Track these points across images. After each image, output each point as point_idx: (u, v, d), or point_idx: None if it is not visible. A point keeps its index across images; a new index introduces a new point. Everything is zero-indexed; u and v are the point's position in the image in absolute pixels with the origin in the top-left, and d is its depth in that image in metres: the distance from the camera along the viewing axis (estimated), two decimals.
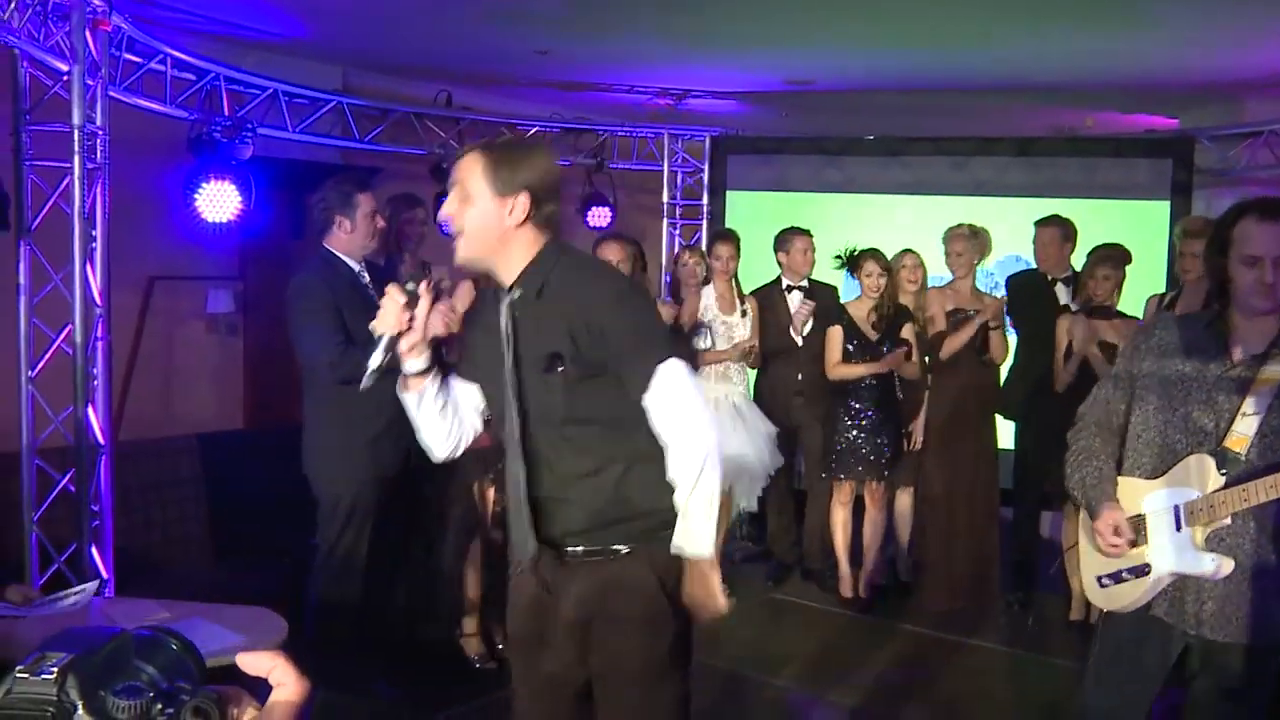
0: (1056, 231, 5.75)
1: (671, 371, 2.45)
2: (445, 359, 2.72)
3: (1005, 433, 5.89)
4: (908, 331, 5.55)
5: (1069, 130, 8.64)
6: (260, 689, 0.93)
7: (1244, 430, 2.62)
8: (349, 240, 4.16)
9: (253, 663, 0.94)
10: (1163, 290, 5.80)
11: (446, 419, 2.60)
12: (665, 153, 8.22)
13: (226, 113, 5.71)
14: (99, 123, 4.32)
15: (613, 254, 4.89)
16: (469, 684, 4.57)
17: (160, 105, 5.33)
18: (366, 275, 4.25)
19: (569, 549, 2.52)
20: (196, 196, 5.20)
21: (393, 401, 4.13)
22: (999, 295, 5.91)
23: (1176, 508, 2.69)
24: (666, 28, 6.10)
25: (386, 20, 6.04)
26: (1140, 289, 5.58)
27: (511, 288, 2.49)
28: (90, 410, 4.34)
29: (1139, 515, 2.77)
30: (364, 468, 4.14)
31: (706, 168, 8.16)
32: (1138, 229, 6.59)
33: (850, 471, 5.62)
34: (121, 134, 4.60)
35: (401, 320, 2.40)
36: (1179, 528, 2.69)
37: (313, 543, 4.28)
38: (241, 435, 6.62)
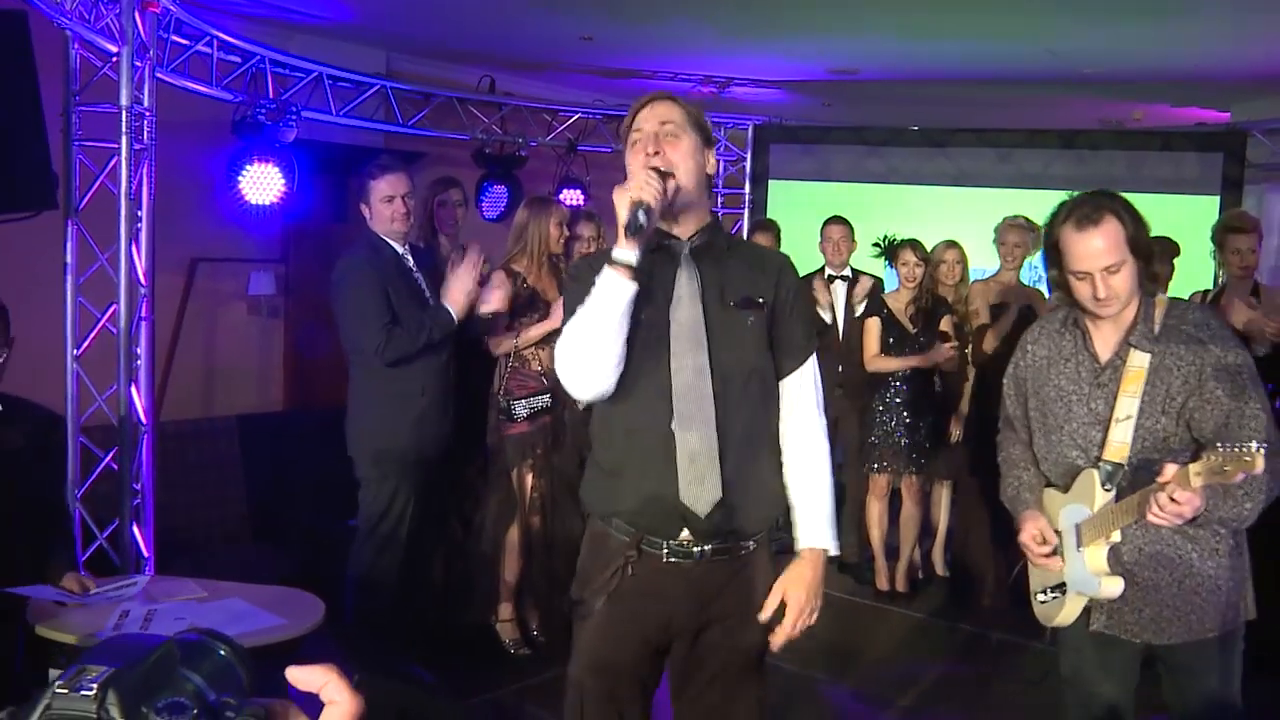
0: None
1: (815, 365, 2.51)
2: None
3: None
4: (946, 324, 5.50)
5: (1116, 123, 8.52)
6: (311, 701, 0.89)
7: (1121, 437, 2.54)
8: (377, 225, 4.19)
9: (304, 678, 0.88)
10: (1209, 286, 5.71)
11: (621, 343, 2.32)
12: None
13: (271, 95, 5.75)
14: (146, 104, 4.34)
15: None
16: (504, 669, 4.58)
17: (206, 87, 5.37)
18: (411, 259, 4.26)
19: (698, 547, 2.38)
20: (240, 179, 5.25)
21: (435, 382, 4.21)
22: (1041, 288, 5.84)
23: (1076, 526, 2.64)
24: (711, 15, 6.06)
25: (431, 5, 6.05)
26: (1188, 285, 5.49)
27: (701, 234, 2.43)
28: (133, 389, 4.37)
29: (1059, 530, 2.71)
30: (407, 449, 4.16)
31: (749, 157, 8.13)
32: (1186, 224, 6.46)
33: (886, 464, 5.58)
34: (168, 116, 4.63)
35: (659, 193, 2.26)
36: (1078, 547, 2.64)
37: (351, 523, 4.31)
38: (281, 417, 6.67)
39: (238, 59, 5.66)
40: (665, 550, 2.39)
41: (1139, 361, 2.54)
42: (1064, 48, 6.36)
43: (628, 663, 2.48)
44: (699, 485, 2.33)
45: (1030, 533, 2.71)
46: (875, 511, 5.70)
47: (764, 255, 2.63)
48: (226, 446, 5.94)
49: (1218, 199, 6.95)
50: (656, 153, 2.35)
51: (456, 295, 4.14)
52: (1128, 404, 2.53)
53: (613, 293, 2.27)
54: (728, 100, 8.35)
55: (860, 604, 5.72)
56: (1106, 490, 2.55)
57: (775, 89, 8.17)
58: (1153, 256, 2.62)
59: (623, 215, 2.25)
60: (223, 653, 0.85)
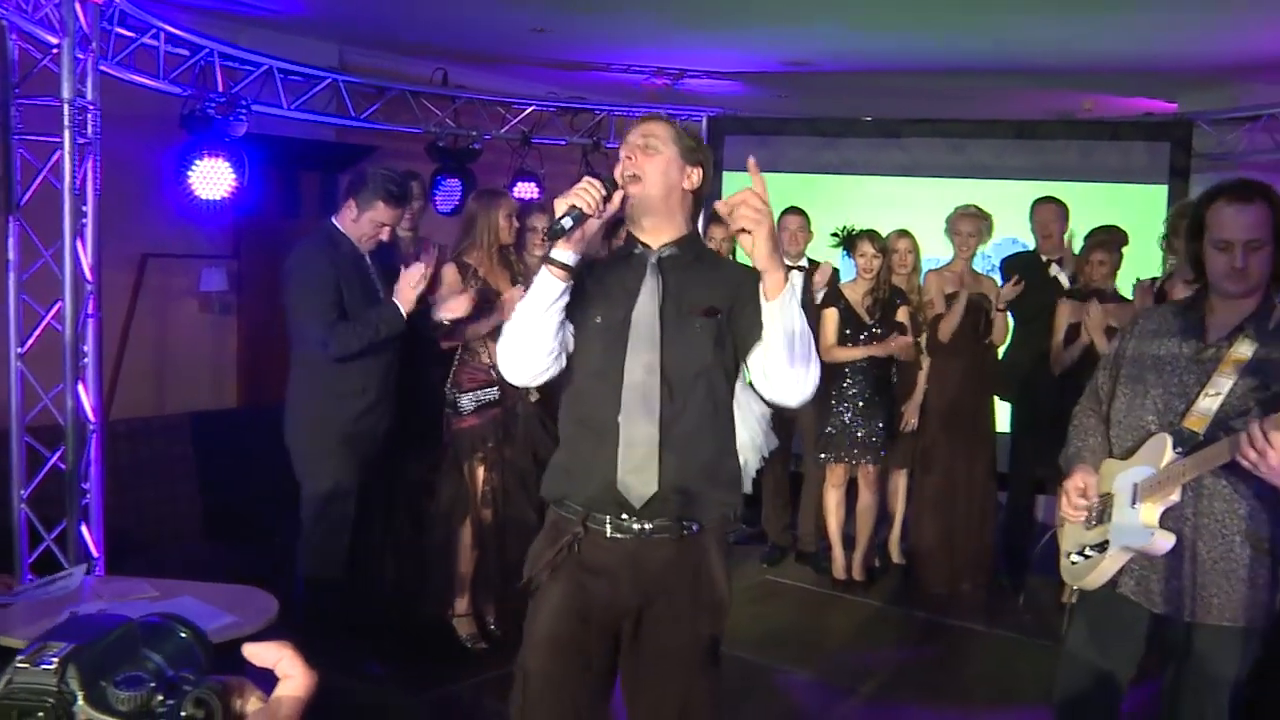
0: (1059, 209, 5.75)
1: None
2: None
3: (1002, 415, 5.89)
4: (902, 314, 5.54)
5: (1067, 113, 8.60)
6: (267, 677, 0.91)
7: (1204, 410, 2.63)
8: (352, 230, 4.16)
9: (259, 653, 0.91)
10: (1158, 274, 5.78)
11: (557, 341, 2.50)
12: None
13: (220, 89, 5.67)
14: (90, 97, 4.28)
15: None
16: (460, 664, 4.56)
17: (153, 81, 5.29)
18: (368, 257, 4.23)
19: (638, 524, 2.49)
20: (190, 174, 5.18)
21: (377, 381, 4.19)
22: (995, 277, 5.90)
23: (1134, 485, 2.72)
24: (664, 6, 6.06)
25: None
26: (1137, 272, 5.55)
27: (672, 245, 2.57)
28: (80, 388, 4.31)
29: (1108, 494, 2.80)
30: (348, 446, 4.13)
31: None
32: (1135, 213, 6.55)
33: (843, 454, 5.61)
34: (115, 109, 4.56)
35: (597, 204, 2.39)
36: (1134, 504, 2.71)
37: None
38: (235, 414, 6.60)
39: (186, 52, 5.57)
40: (609, 526, 2.51)
41: (1244, 349, 2.63)
42: (1013, 38, 6.42)
43: (567, 637, 2.53)
44: (636, 475, 2.45)
45: (1076, 482, 2.82)
46: (832, 501, 5.73)
47: (733, 269, 2.68)
48: (179, 444, 5.87)
49: (1165, 188, 7.04)
50: (630, 160, 2.52)
51: (406, 293, 4.10)
52: (1221, 383, 2.63)
53: (546, 289, 2.43)
54: (682, 92, 8.34)
55: (817, 593, 5.75)
56: (1177, 454, 2.63)
57: (729, 81, 8.18)
58: None
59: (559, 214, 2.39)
60: (183, 635, 0.89)
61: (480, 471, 4.58)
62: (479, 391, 4.54)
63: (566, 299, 2.45)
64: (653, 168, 2.51)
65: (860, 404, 5.55)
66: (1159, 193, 7.02)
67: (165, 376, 6.55)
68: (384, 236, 4.19)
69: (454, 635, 4.72)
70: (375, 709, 3.67)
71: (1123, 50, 6.68)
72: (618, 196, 2.44)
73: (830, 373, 5.59)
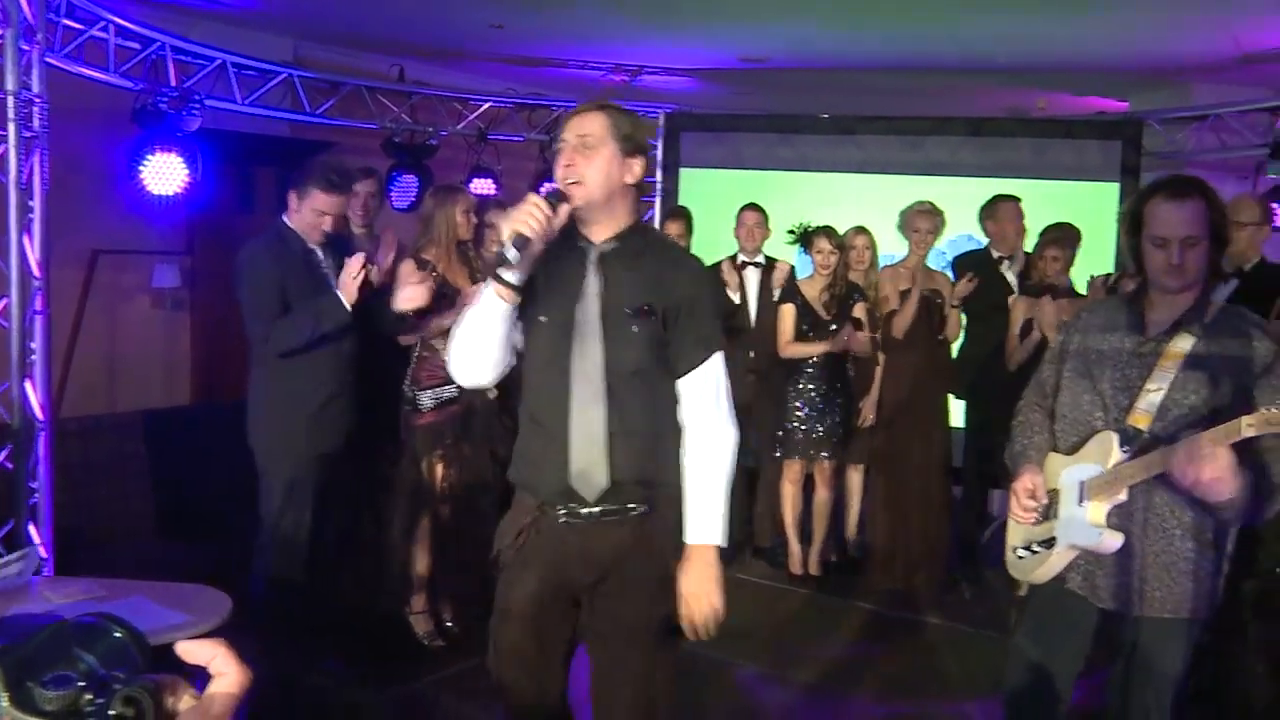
0: (1018, 208, 5.79)
1: (718, 363, 2.61)
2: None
3: (956, 411, 5.93)
4: (859, 310, 5.57)
5: (1021, 111, 8.69)
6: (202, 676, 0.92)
7: (1148, 406, 2.66)
8: (296, 222, 4.12)
9: (193, 651, 0.92)
10: (1110, 270, 5.85)
11: (503, 350, 2.59)
12: None
13: (173, 83, 5.60)
14: (36, 89, 4.22)
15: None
16: (418, 661, 4.54)
17: (104, 74, 5.22)
18: (321, 253, 4.19)
19: (587, 509, 2.56)
20: (142, 169, 5.11)
21: (335, 377, 4.16)
22: (948, 274, 5.94)
23: (1081, 483, 2.74)
24: (621, 3, 6.06)
25: None
26: (1090, 269, 5.62)
27: (613, 240, 2.59)
28: (28, 385, 4.25)
29: (1054, 489, 2.83)
30: (306, 443, 4.11)
31: (660, 145, 8.12)
32: (1088, 209, 6.62)
33: (799, 450, 5.64)
34: (64, 103, 4.50)
35: (540, 226, 2.41)
36: (1080, 502, 2.74)
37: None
38: (189, 411, 6.54)
39: (137, 45, 5.50)
40: (564, 513, 2.58)
41: (1183, 344, 2.66)
42: (969, 37, 6.48)
43: (523, 611, 2.63)
44: (588, 471, 2.53)
45: (1025, 483, 2.85)
46: (789, 496, 5.75)
47: (675, 262, 2.69)
48: (131, 442, 5.80)
49: (1117, 185, 7.13)
50: (570, 165, 2.53)
51: (348, 284, 4.05)
52: (1162, 378, 2.66)
53: (491, 307, 2.51)
54: (639, 89, 8.34)
55: (773, 588, 5.78)
56: (1124, 451, 2.66)
57: (686, 77, 8.20)
58: (1225, 249, 2.75)
59: (504, 240, 2.41)
60: (118, 634, 0.87)
61: (439, 469, 4.57)
62: (438, 389, 4.52)
63: (514, 313, 2.52)
64: (593, 170, 2.52)
65: (817, 400, 5.58)
66: (1111, 190, 7.10)
67: (117, 374, 6.48)
68: (326, 226, 4.13)
69: (411, 632, 4.70)
70: (334, 706, 3.65)
71: (1076, 50, 6.77)
72: (564, 210, 2.48)
73: (787, 369, 5.63)
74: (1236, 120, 6.95)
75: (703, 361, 2.58)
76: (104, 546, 5.40)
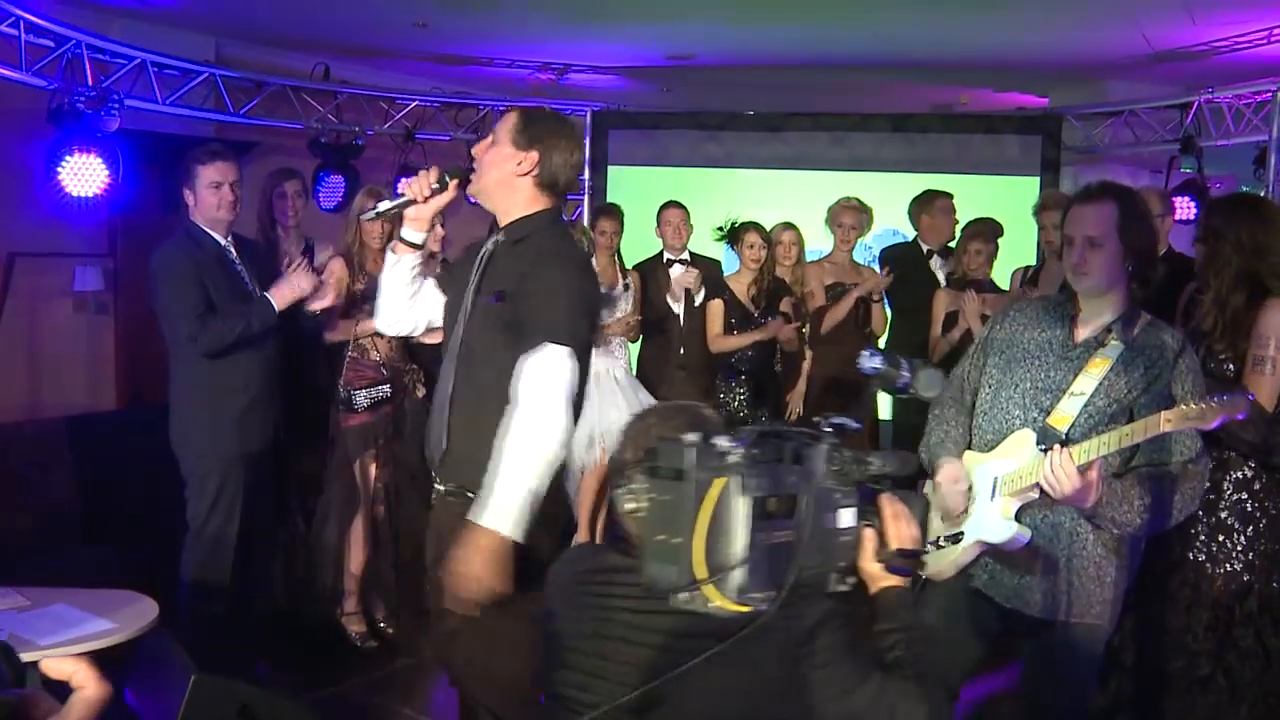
0: (951, 203, 5.87)
1: (555, 355, 2.57)
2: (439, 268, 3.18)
3: (883, 404, 6.02)
4: (785, 305, 5.62)
5: (944, 107, 8.84)
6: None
7: (1069, 409, 2.68)
8: (201, 212, 4.06)
9: (56, 667, 0.98)
10: (1032, 263, 5.98)
11: (408, 299, 2.93)
12: None
13: (90, 83, 5.49)
14: None
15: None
16: (350, 663, 4.52)
17: (15, 72, 5.10)
18: (234, 251, 4.15)
19: (439, 486, 2.78)
20: (60, 170, 5.02)
21: (260, 377, 4.13)
22: (874, 268, 6.03)
23: (995, 479, 2.75)
24: (545, 2, 6.07)
25: None
26: (1012, 262, 5.74)
27: (503, 229, 2.80)
28: None
29: (970, 485, 2.82)
30: (231, 444, 4.07)
31: (588, 143, 8.14)
32: (1009, 204, 6.75)
33: None
34: None
35: (424, 193, 2.76)
36: (992, 497, 2.74)
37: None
38: (114, 416, 6.43)
39: (50, 43, 5.38)
40: (435, 489, 2.82)
41: (1109, 352, 2.68)
42: (890, 34, 6.57)
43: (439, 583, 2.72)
44: (437, 435, 2.79)
45: (949, 475, 2.83)
46: None
47: (543, 254, 2.71)
48: (55, 449, 5.70)
49: (1037, 179, 7.29)
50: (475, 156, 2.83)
51: (284, 291, 4.04)
52: (1085, 383, 2.67)
53: (391, 260, 2.91)
54: (566, 87, 8.36)
55: None
56: (1040, 450, 2.65)
57: (613, 75, 8.22)
58: (1147, 260, 2.75)
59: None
60: None
61: (373, 468, 4.57)
62: (373, 389, 4.53)
63: (417, 265, 2.89)
64: (486, 160, 2.76)
65: (746, 394, 5.63)
66: (1031, 184, 7.25)
67: (39, 380, 6.36)
68: (228, 198, 4.05)
69: (344, 633, 4.68)
70: (262, 710, 3.62)
71: (996, 47, 6.90)
72: (453, 185, 2.78)
73: (716, 363, 5.68)
74: (1150, 116, 7.16)
75: (538, 347, 2.56)
76: (30, 554, 5.30)
